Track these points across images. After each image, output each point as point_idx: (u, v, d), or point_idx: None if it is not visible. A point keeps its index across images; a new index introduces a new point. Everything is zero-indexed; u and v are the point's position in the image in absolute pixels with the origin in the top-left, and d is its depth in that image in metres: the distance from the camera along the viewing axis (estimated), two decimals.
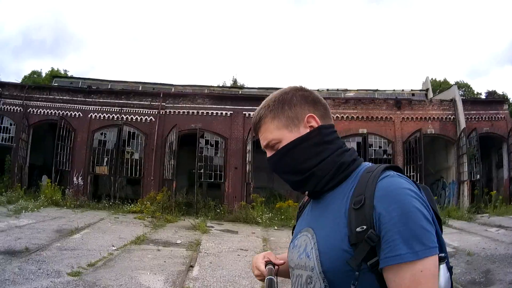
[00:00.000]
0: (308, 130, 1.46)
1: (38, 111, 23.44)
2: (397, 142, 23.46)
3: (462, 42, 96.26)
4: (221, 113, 24.15)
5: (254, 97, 24.15)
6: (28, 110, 23.22)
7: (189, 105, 24.21)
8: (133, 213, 19.12)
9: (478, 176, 21.91)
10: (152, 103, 24.12)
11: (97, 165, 23.35)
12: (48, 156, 24.96)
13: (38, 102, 23.55)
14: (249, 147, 22.85)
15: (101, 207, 20.27)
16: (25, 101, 23.24)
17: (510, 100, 36.57)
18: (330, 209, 1.37)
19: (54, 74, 36.96)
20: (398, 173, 1.31)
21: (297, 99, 1.49)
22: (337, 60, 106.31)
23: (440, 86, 33.27)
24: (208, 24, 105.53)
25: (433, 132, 23.73)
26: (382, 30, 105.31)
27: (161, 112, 23.92)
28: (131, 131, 23.76)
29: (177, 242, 12.94)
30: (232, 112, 24.12)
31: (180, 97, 24.61)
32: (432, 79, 40.40)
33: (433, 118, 23.94)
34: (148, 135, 23.69)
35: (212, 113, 24.12)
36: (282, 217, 19.37)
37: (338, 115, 23.78)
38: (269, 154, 1.52)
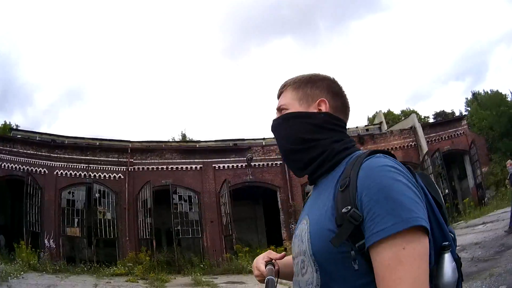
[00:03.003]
0: (315, 111, 1.47)
1: (2, 165, 20.43)
2: None
3: (397, 69, 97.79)
4: (191, 167, 23.10)
5: (222, 149, 23.41)
6: None
7: (158, 160, 22.90)
8: (117, 275, 17.61)
9: (447, 191, 22.61)
10: (119, 159, 22.41)
11: (67, 226, 20.78)
12: (13, 214, 22.08)
13: (2, 155, 20.50)
14: (224, 200, 22.11)
15: (80, 271, 18.14)
16: None
17: (459, 114, 37.80)
18: (321, 195, 1.35)
19: (7, 128, 32.85)
20: (385, 155, 1.25)
21: (322, 84, 1.52)
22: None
23: (385, 117, 34.15)
24: (149, 83, 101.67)
25: None
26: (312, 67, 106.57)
27: (129, 169, 22.31)
28: (101, 189, 21.70)
29: None
30: (201, 165, 23.15)
31: (148, 152, 23.21)
32: (377, 111, 41.56)
33: (396, 147, 24.35)
34: (118, 193, 21.88)
35: (182, 167, 23.01)
36: None
37: None
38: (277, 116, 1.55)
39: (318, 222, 1.27)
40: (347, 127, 1.55)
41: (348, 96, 1.57)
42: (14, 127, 29.45)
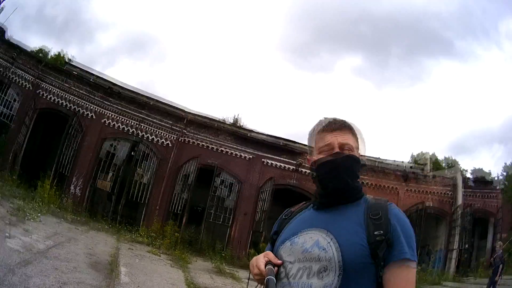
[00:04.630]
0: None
1: (49, 97, 19.12)
2: None
3: (450, 116, 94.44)
4: (241, 155, 21.16)
5: (274, 146, 21.52)
6: (38, 91, 18.80)
7: (210, 139, 21.01)
8: (138, 243, 16.13)
9: (467, 246, 22.49)
10: (173, 126, 20.61)
11: (99, 179, 19.14)
12: (43, 150, 20.50)
13: (51, 87, 19.23)
14: (264, 196, 20.42)
15: (100, 228, 16.64)
16: (37, 79, 18.82)
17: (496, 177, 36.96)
18: (346, 217, 1.66)
19: (60, 60, 31.44)
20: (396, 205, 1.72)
21: (361, 136, 1.86)
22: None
23: (430, 160, 33.39)
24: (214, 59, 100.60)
25: (431, 206, 23.30)
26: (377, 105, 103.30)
27: (180, 139, 20.47)
28: (146, 151, 20.07)
29: None
30: (252, 156, 21.20)
31: (203, 128, 21.30)
32: (421, 152, 41.02)
33: (433, 192, 23.49)
34: (162, 159, 20.10)
35: (232, 153, 21.09)
36: None
37: None
38: (338, 150, 1.75)
39: (349, 237, 1.57)
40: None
41: None
42: (68, 60, 27.63)
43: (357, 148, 1.81)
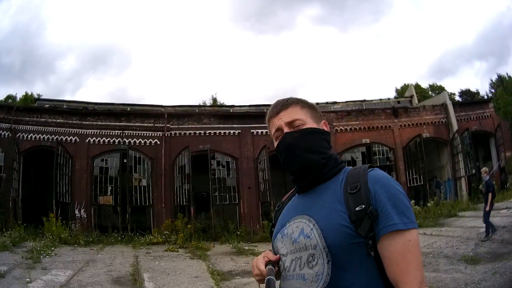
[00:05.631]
0: (326, 130, 1.68)
1: (29, 136, 18.88)
2: (397, 148, 22.82)
3: (422, 41, 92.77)
4: (229, 132, 21.19)
5: (260, 114, 21.23)
6: (18, 135, 18.58)
7: (195, 126, 21.02)
8: (154, 244, 16.44)
9: (474, 171, 22.13)
10: (156, 124, 20.58)
11: (100, 195, 19.19)
12: (36, 186, 20.42)
13: (29, 126, 18.97)
14: (262, 166, 20.42)
15: (114, 241, 16.88)
16: (13, 125, 18.53)
17: (485, 95, 37.22)
18: (323, 197, 1.51)
19: (29, 99, 31.22)
20: (379, 169, 1.52)
21: (318, 109, 1.72)
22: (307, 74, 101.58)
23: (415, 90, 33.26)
24: (179, 46, 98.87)
25: (428, 136, 23.37)
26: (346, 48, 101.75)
27: (166, 134, 20.42)
28: (136, 155, 20.01)
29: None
30: (240, 130, 21.24)
31: (185, 117, 21.27)
32: (404, 84, 41.75)
33: (428, 123, 23.66)
34: (154, 159, 20.15)
35: (220, 132, 21.15)
36: None
37: (342, 128, 22.46)
38: (288, 130, 1.62)
39: (329, 219, 1.43)
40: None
41: None
42: (37, 97, 27.45)
43: (314, 117, 1.64)
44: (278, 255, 1.60)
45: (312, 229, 1.45)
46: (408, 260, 1.33)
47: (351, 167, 1.59)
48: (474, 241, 11.41)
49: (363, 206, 1.37)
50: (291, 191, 1.80)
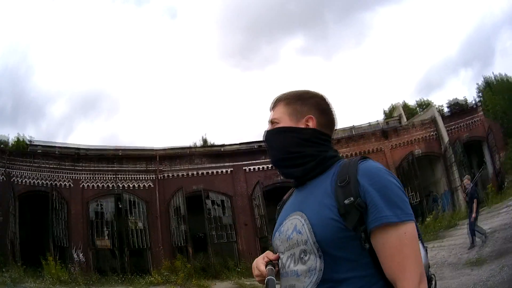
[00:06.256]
0: (303, 126, 1.61)
1: (24, 181, 18.72)
2: (390, 169, 22.02)
3: (407, 59, 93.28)
4: (222, 171, 21.39)
5: (251, 151, 21.61)
6: (12, 180, 18.46)
7: (187, 167, 21.20)
8: (154, 285, 16.24)
9: None
10: (148, 167, 20.73)
11: (97, 239, 19.06)
12: (33, 230, 20.08)
13: (23, 171, 18.79)
14: (257, 202, 20.55)
15: (114, 283, 16.59)
16: (7, 169, 18.43)
17: (473, 100, 37.11)
18: (315, 192, 1.50)
19: (21, 144, 30.89)
20: (372, 160, 1.48)
21: (311, 101, 1.66)
22: None
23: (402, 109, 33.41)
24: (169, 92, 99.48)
25: (420, 152, 23.51)
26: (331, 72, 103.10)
27: (159, 177, 20.58)
28: (131, 199, 20.00)
29: None
30: (232, 168, 21.47)
31: (177, 159, 21.47)
32: (392, 104, 40.61)
33: (418, 139, 23.78)
34: (149, 201, 20.17)
35: (213, 172, 21.34)
36: None
37: None
38: (269, 127, 1.69)
39: (319, 213, 1.41)
40: (332, 137, 1.69)
41: (335, 113, 1.71)
42: (29, 140, 27.21)
43: (294, 114, 1.63)
44: (277, 254, 1.61)
45: (303, 224, 1.44)
46: (405, 254, 1.28)
47: (346, 159, 1.56)
48: (477, 245, 11.35)
49: (352, 198, 1.33)
50: (291, 189, 1.81)
